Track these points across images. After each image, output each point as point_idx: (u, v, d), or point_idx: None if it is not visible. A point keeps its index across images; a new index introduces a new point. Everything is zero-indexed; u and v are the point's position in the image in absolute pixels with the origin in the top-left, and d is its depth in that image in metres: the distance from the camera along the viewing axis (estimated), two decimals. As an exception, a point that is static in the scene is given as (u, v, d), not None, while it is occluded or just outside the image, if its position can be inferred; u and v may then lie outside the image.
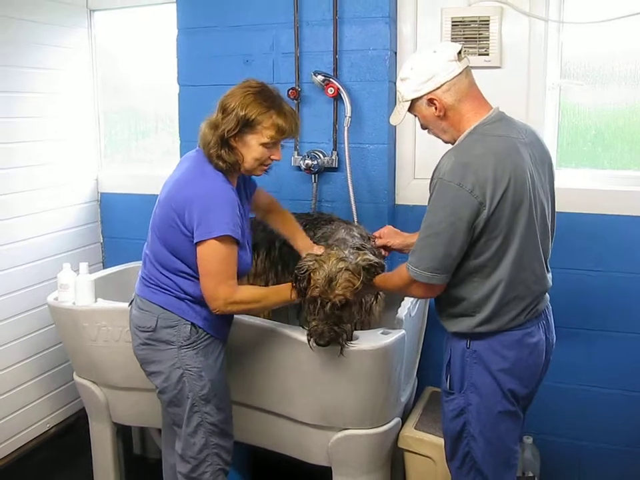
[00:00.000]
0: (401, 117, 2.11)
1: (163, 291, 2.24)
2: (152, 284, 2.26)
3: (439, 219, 1.92)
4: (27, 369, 3.43)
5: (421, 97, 2.02)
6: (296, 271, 2.24)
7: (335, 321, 2.20)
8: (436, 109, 2.01)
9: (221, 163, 2.15)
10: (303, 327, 2.37)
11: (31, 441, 3.46)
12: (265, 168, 2.25)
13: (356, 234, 2.48)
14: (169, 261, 2.21)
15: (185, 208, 2.11)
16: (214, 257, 2.10)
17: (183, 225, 2.12)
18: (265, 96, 2.16)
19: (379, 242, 2.51)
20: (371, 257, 2.28)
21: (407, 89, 2.05)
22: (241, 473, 2.90)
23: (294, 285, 2.22)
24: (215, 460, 2.33)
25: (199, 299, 2.21)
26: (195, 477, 2.33)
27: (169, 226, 2.16)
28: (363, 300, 2.50)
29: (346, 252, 2.26)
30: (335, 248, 2.30)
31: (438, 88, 1.99)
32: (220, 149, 2.14)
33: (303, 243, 2.47)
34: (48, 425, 3.56)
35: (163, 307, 2.23)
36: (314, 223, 2.69)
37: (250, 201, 2.43)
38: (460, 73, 1.99)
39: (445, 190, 1.92)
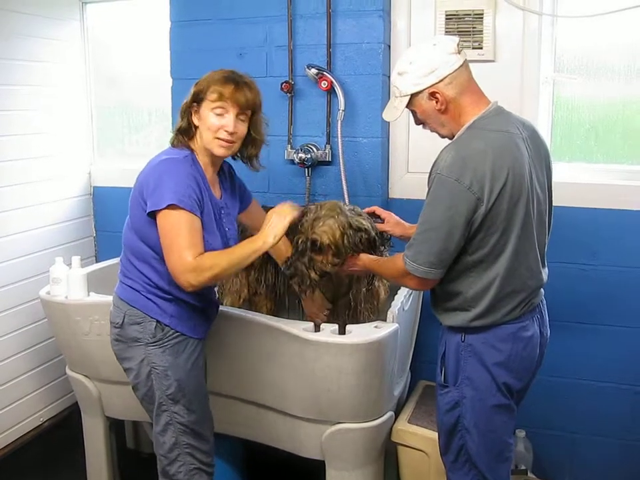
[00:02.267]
0: (398, 112, 2.08)
1: (130, 285, 2.21)
2: (123, 277, 2.25)
3: (437, 213, 1.93)
4: (20, 363, 3.42)
5: (421, 91, 2.00)
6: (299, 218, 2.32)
7: (306, 261, 2.28)
8: (437, 102, 2.00)
9: (179, 136, 2.19)
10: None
11: (24, 435, 3.45)
12: (223, 144, 2.16)
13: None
14: (136, 246, 2.18)
15: (143, 184, 2.12)
16: (171, 228, 2.04)
17: (143, 201, 2.11)
18: (220, 72, 2.19)
19: (379, 226, 2.49)
20: (366, 223, 2.33)
21: (405, 83, 2.02)
22: (234, 467, 2.90)
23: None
24: (188, 459, 2.25)
25: (166, 290, 2.17)
26: (170, 474, 2.27)
27: (134, 204, 2.16)
28: (366, 282, 2.57)
29: (345, 208, 2.32)
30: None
31: (440, 81, 1.98)
32: (181, 122, 2.20)
33: None
34: (41, 419, 3.56)
35: (128, 303, 2.21)
36: None
37: (239, 205, 2.42)
38: (461, 66, 1.99)
39: (442, 185, 1.91)
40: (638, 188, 2.82)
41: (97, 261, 3.74)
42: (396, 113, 2.09)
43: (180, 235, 2.04)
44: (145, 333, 2.18)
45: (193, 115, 2.18)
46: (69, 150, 3.67)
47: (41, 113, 3.46)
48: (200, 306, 2.25)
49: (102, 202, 3.80)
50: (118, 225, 3.63)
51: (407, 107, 2.07)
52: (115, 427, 3.01)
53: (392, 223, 2.50)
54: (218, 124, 2.14)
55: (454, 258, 1.97)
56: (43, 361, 3.54)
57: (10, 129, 3.28)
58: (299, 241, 2.29)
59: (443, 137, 2.11)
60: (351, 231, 2.26)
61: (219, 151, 2.17)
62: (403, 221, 2.51)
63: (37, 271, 3.40)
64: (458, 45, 2.01)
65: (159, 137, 3.72)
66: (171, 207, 2.03)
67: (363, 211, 2.51)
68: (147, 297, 2.18)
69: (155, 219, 2.08)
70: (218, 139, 2.15)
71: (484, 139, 1.95)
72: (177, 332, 2.20)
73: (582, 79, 2.92)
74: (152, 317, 2.18)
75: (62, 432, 3.57)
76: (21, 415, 3.44)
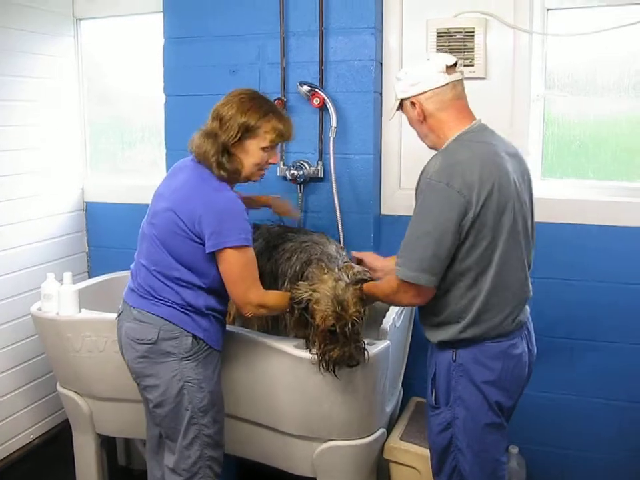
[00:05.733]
0: (392, 113, 2.22)
1: (163, 302, 2.22)
2: (151, 295, 2.25)
3: (427, 219, 1.95)
4: (10, 380, 3.39)
5: (407, 98, 2.11)
6: (294, 304, 2.25)
7: (355, 338, 2.22)
8: (416, 112, 2.09)
9: (222, 172, 2.18)
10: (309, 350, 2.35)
11: (14, 452, 3.42)
12: (263, 173, 2.32)
13: (340, 250, 2.50)
14: (173, 270, 2.20)
15: (194, 218, 2.13)
16: (236, 265, 2.15)
17: (192, 233, 2.14)
18: (260, 101, 2.23)
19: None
20: (359, 268, 2.32)
21: (398, 89, 2.15)
22: (226, 484, 2.89)
23: (292, 313, 2.27)
24: (207, 472, 2.33)
25: (200, 309, 2.23)
26: None
27: (175, 234, 2.17)
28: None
29: (336, 271, 2.26)
30: (322, 266, 2.30)
31: (421, 94, 2.07)
32: (220, 157, 2.18)
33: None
34: (31, 436, 3.53)
35: (165, 319, 2.22)
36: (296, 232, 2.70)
37: None
38: (445, 85, 2.05)
39: (433, 190, 1.95)
40: (629, 204, 2.83)
41: (89, 277, 3.73)
42: (390, 113, 2.23)
43: (250, 270, 2.19)
44: (180, 348, 2.22)
45: (234, 148, 2.20)
46: (62, 165, 3.66)
47: (34, 128, 3.46)
48: (222, 320, 2.34)
49: (94, 218, 3.79)
50: (111, 240, 3.70)
51: (398, 109, 2.18)
52: (106, 444, 3.00)
53: (371, 260, 2.49)
54: (267, 158, 2.25)
55: (445, 267, 1.98)
56: (33, 377, 3.51)
57: (2, 144, 3.27)
58: (343, 330, 2.17)
59: (428, 147, 2.18)
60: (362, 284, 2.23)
61: (258, 179, 2.32)
62: (379, 256, 2.53)
63: (28, 287, 3.38)
64: (451, 65, 2.05)
65: (151, 153, 3.72)
66: (241, 246, 2.12)
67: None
68: (183, 312, 2.22)
69: (212, 251, 2.14)
70: (261, 170, 2.28)
71: (471, 149, 2.01)
72: (208, 345, 2.26)
73: (572, 96, 2.94)
74: (188, 332, 2.22)
75: (52, 449, 3.54)
76: (11, 432, 3.40)
